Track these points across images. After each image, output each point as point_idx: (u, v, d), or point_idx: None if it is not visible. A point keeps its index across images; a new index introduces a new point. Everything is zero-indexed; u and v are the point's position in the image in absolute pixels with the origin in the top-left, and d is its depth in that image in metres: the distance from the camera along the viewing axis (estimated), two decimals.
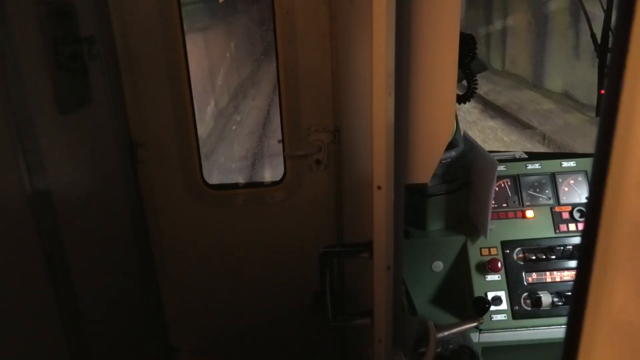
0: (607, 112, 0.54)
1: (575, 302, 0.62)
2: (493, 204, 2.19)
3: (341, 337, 3.17)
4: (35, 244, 1.83)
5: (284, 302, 3.09)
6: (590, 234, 0.58)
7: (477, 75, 2.06)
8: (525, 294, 2.13)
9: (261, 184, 2.96)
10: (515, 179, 2.28)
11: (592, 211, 0.57)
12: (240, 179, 2.93)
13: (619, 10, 0.54)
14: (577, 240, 2.20)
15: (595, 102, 2.78)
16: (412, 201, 2.12)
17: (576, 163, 2.29)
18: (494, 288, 2.14)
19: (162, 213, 2.89)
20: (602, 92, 2.60)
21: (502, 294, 2.13)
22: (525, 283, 2.15)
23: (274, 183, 2.93)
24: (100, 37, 2.38)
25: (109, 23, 2.50)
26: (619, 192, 0.54)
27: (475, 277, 2.16)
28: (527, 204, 2.27)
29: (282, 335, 3.19)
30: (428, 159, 1.54)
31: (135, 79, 2.63)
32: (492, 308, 2.11)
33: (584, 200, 2.26)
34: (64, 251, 1.98)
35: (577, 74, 10.69)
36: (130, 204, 2.73)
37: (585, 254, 0.59)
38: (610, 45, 2.37)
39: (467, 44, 1.97)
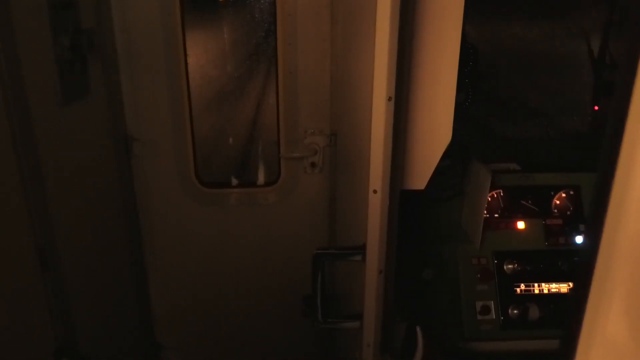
0: (612, 132, 0.54)
1: (570, 320, 0.62)
2: (485, 214, 2.21)
3: (330, 340, 3.16)
4: (27, 237, 1.82)
5: (273, 303, 3.09)
6: (590, 253, 0.58)
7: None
8: (514, 304, 2.14)
9: (255, 185, 2.95)
10: (508, 190, 2.29)
11: (593, 231, 0.57)
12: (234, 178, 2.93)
13: (627, 36, 0.54)
14: (566, 252, 2.22)
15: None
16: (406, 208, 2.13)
17: (569, 177, 2.30)
18: (483, 297, 2.15)
19: (155, 209, 2.88)
20: (596, 108, 2.63)
21: (491, 304, 2.14)
22: (514, 294, 2.16)
23: (268, 184, 2.93)
24: (100, 29, 2.38)
25: (110, 16, 2.49)
26: (621, 212, 0.55)
27: (465, 285, 2.17)
28: (519, 215, 2.28)
29: (271, 336, 3.18)
30: (424, 165, 1.55)
31: (134, 73, 2.62)
32: (481, 317, 2.12)
33: (575, 214, 2.28)
34: (55, 245, 1.96)
35: None
36: (124, 198, 2.72)
37: (584, 271, 0.59)
38: (607, 61, 2.40)
39: (468, 54, 1.99)
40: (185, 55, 2.64)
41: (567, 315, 0.63)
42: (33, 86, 1.82)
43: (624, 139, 0.52)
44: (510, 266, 2.19)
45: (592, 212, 0.60)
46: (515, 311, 2.13)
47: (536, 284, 2.18)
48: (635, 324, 0.55)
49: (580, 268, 0.60)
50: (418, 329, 1.79)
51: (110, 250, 2.59)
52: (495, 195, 2.27)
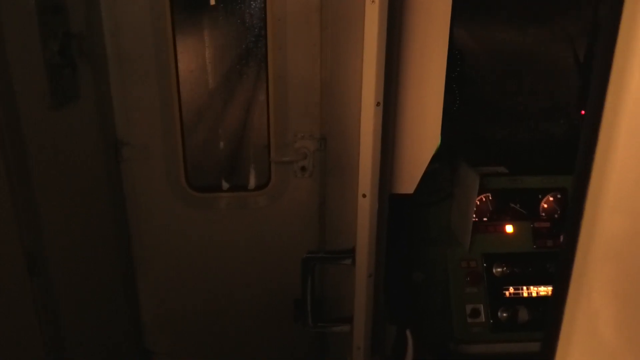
0: (587, 135, 0.56)
1: (551, 318, 0.63)
2: (474, 218, 2.23)
3: (321, 344, 3.16)
4: (15, 241, 1.81)
5: (264, 307, 3.08)
6: (567, 253, 0.60)
7: None
8: (503, 307, 2.16)
9: (245, 189, 2.95)
10: (497, 194, 2.32)
11: (570, 232, 0.59)
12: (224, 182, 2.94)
13: (602, 40, 0.56)
14: (554, 255, 2.25)
15: None
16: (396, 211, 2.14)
17: (556, 180, 2.33)
18: (473, 300, 2.16)
19: (144, 213, 2.87)
20: (583, 112, 2.66)
21: (481, 307, 2.16)
22: (504, 297, 2.18)
23: (258, 188, 2.92)
24: (89, 34, 2.37)
25: (100, 20, 2.48)
26: (596, 213, 0.56)
27: (455, 288, 2.19)
28: (507, 218, 2.30)
29: (262, 341, 3.17)
30: (413, 170, 1.57)
31: (124, 77, 2.61)
32: (471, 320, 2.14)
33: (562, 217, 2.30)
34: (44, 249, 1.95)
35: None
36: (113, 202, 2.70)
37: (562, 271, 0.61)
38: (592, 65, 2.43)
39: (455, 59, 2.01)
40: (176, 59, 2.63)
41: (547, 315, 0.64)
42: (22, 91, 1.81)
43: (598, 143, 0.54)
44: (499, 269, 2.21)
45: (569, 214, 0.61)
46: (505, 314, 2.15)
47: (525, 287, 2.20)
48: (613, 321, 0.56)
49: (559, 269, 0.61)
50: (408, 332, 1.81)
51: (99, 255, 2.58)
52: (484, 199, 2.30)
